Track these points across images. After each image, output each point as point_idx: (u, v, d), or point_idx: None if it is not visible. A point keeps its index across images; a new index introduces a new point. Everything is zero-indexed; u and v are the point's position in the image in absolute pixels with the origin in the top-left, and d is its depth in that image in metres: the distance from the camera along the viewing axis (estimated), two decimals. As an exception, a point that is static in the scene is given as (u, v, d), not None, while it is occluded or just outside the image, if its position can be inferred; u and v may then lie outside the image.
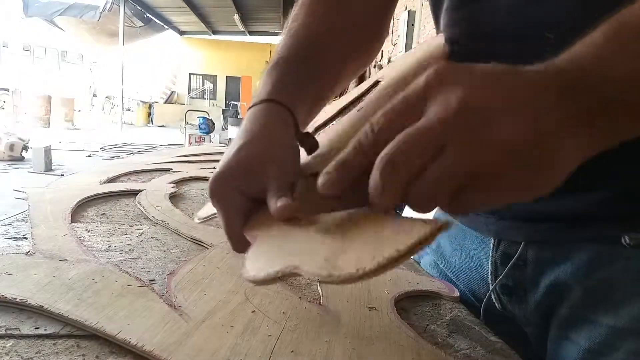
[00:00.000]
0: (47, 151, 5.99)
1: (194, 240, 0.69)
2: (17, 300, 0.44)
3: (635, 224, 0.45)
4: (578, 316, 0.48)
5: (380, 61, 7.41)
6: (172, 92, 20.51)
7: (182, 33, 19.01)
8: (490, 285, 0.56)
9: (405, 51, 5.56)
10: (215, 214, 0.34)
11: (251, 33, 18.02)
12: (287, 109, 0.46)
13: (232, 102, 15.97)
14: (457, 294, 0.56)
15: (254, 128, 0.44)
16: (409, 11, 5.50)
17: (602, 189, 0.46)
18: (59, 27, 14.57)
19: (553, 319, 0.51)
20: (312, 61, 0.52)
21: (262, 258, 0.36)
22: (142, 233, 0.72)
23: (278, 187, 0.39)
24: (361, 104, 0.53)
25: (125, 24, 13.49)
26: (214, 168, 1.18)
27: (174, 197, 0.98)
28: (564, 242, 0.49)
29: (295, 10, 0.56)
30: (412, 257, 0.29)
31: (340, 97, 0.65)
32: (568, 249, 0.49)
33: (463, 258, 0.61)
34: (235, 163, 0.42)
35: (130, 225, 0.75)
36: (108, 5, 12.50)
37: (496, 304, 0.56)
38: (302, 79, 0.50)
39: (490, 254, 0.56)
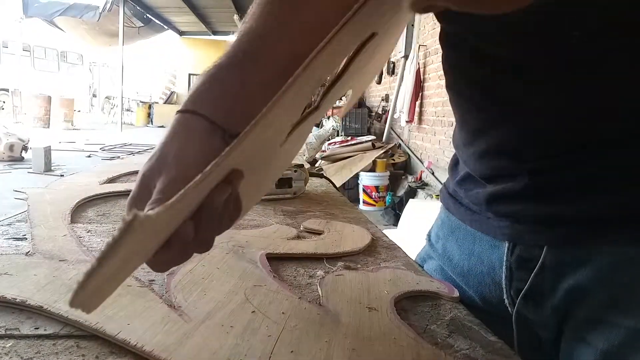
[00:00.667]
0: (47, 151, 5.99)
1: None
2: (17, 300, 0.44)
3: None
4: (596, 318, 0.48)
5: (380, 61, 7.40)
6: (172, 93, 20.48)
7: (181, 33, 18.99)
8: (504, 289, 0.56)
9: (405, 51, 5.56)
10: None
11: (251, 33, 17.95)
12: (203, 116, 0.42)
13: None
14: (456, 294, 0.56)
15: (158, 144, 0.42)
16: (409, 11, 5.49)
17: (624, 191, 0.46)
18: (58, 28, 14.56)
19: (569, 322, 0.51)
20: (248, 65, 0.46)
21: None
22: (141, 233, 0.72)
23: (153, 200, 0.38)
24: None
25: (125, 24, 13.48)
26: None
27: (173, 198, 0.97)
28: (586, 244, 0.49)
29: (249, 10, 0.51)
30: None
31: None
32: (589, 251, 0.49)
33: (473, 262, 0.60)
34: (136, 185, 0.41)
35: (130, 226, 0.75)
36: (108, 6, 12.48)
37: (509, 308, 0.56)
38: (235, 83, 0.45)
39: (505, 258, 0.55)
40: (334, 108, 6.75)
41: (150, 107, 18.09)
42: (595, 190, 0.48)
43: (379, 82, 7.26)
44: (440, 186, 4.52)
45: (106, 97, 20.00)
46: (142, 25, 15.48)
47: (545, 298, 0.52)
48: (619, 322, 0.46)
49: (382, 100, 6.94)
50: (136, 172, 1.26)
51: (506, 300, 0.56)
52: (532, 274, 0.52)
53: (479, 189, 0.58)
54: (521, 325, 0.55)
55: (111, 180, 1.11)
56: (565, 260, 0.50)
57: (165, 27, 17.25)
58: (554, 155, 0.49)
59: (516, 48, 0.48)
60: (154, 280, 0.53)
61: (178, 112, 0.43)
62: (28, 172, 5.76)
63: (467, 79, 0.56)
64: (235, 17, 14.38)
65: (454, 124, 0.62)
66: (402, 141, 6.03)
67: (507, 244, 0.55)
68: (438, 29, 0.58)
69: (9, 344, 0.38)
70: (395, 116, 5.87)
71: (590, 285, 0.48)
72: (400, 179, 5.56)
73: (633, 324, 0.45)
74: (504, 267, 0.55)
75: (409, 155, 5.74)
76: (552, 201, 0.50)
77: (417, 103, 5.33)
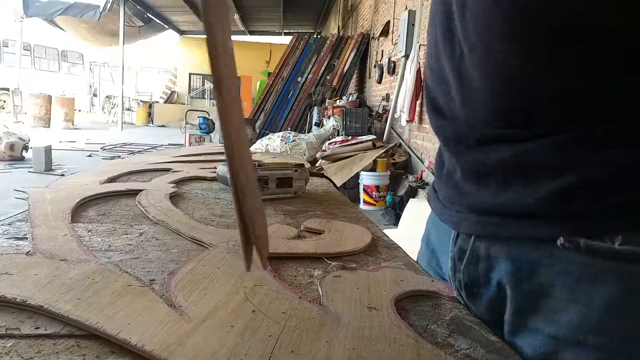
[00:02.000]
0: (48, 151, 6.00)
1: (194, 240, 0.69)
2: (17, 300, 0.44)
3: (573, 226, 0.43)
4: (521, 324, 0.47)
5: (380, 61, 7.40)
6: (173, 92, 20.49)
7: (182, 33, 19.00)
8: (451, 280, 0.56)
9: (406, 51, 5.56)
10: None
11: (251, 33, 18.00)
12: None
13: (233, 102, 15.89)
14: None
15: None
16: (409, 11, 5.49)
17: (547, 185, 0.44)
18: (59, 27, 14.58)
19: (504, 325, 0.50)
20: None
21: None
22: (142, 233, 0.72)
23: None
24: None
25: (126, 23, 13.49)
26: (215, 168, 1.19)
27: (174, 197, 0.98)
28: (507, 238, 0.48)
29: None
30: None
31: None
32: (511, 247, 0.47)
33: (441, 252, 0.60)
34: None
35: (131, 225, 0.75)
36: (108, 5, 12.49)
37: (461, 301, 0.56)
38: None
39: (450, 249, 0.55)
40: (334, 107, 6.75)
41: (150, 106, 18.12)
42: (523, 181, 0.46)
43: (380, 82, 7.26)
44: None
45: (107, 97, 20.01)
46: (143, 24, 15.50)
47: (481, 291, 0.52)
48: (540, 328, 0.45)
49: (383, 99, 6.94)
50: (136, 172, 1.26)
51: (455, 292, 0.56)
52: (468, 266, 0.52)
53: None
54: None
55: (112, 180, 1.11)
56: (493, 253, 0.49)
57: (166, 26, 17.26)
58: (478, 144, 0.49)
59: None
60: (154, 280, 0.53)
61: None
62: (29, 172, 5.77)
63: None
64: (236, 16, 14.38)
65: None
66: (403, 141, 6.03)
67: (453, 233, 0.55)
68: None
69: (10, 344, 0.38)
70: (396, 116, 5.87)
71: (512, 283, 0.47)
72: (400, 178, 5.56)
73: (554, 332, 0.44)
74: (449, 259, 0.55)
75: (409, 154, 5.74)
76: (478, 189, 0.50)
77: (418, 103, 5.32)
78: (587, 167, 0.42)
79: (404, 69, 5.60)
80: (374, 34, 8.09)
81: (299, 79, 8.54)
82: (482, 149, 0.49)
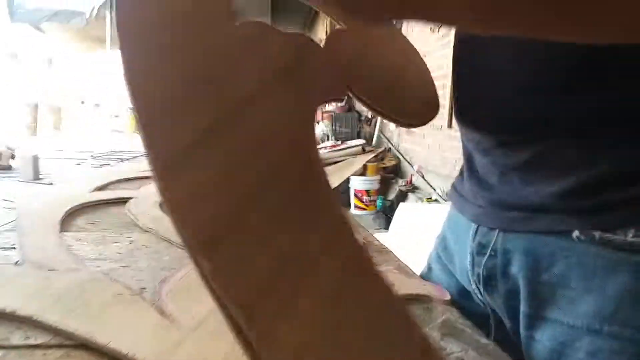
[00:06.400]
0: (35, 159, 5.95)
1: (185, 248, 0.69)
2: (7, 311, 0.44)
3: (588, 219, 0.45)
4: (538, 316, 0.48)
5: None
6: (161, 99, 20.39)
7: (170, 39, 18.95)
8: (470, 275, 0.56)
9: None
10: None
11: (240, 39, 17.96)
12: None
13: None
14: (448, 297, 0.56)
15: None
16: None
17: (566, 182, 0.46)
18: (45, 33, 14.48)
19: (520, 316, 0.51)
20: None
21: None
22: (132, 241, 0.71)
23: None
24: None
25: (113, 29, 13.44)
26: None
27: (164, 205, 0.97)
28: (526, 231, 0.49)
29: None
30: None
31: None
32: (529, 240, 0.49)
33: (458, 248, 0.60)
34: None
35: (121, 234, 0.75)
36: (95, 12, 12.44)
37: (478, 295, 0.56)
38: None
39: (469, 243, 0.56)
40: (323, 112, 6.76)
41: (139, 113, 18.05)
42: (539, 178, 0.48)
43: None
44: (430, 190, 4.54)
45: (95, 104, 19.91)
46: (131, 31, 15.40)
47: (499, 284, 0.53)
48: (559, 319, 0.46)
49: (372, 104, 6.95)
50: (126, 180, 1.25)
51: (473, 285, 0.56)
52: (487, 259, 0.53)
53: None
54: (488, 315, 0.56)
55: (101, 188, 1.10)
56: (511, 247, 0.50)
57: (154, 33, 17.21)
58: (504, 144, 0.50)
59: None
60: (145, 288, 0.53)
61: None
62: (17, 181, 5.71)
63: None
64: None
65: (443, 127, 0.63)
66: (392, 145, 6.05)
67: (473, 228, 0.55)
68: (427, 31, 0.59)
69: (-1, 355, 0.38)
70: (385, 120, 5.89)
71: (529, 276, 0.48)
72: (390, 182, 5.57)
73: (572, 321, 0.45)
74: (467, 253, 0.56)
75: (399, 159, 5.76)
76: (500, 185, 0.51)
77: (407, 107, 5.34)
78: (602, 165, 0.44)
79: (393, 73, 5.61)
80: (362, 39, 8.11)
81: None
82: (504, 148, 0.50)
